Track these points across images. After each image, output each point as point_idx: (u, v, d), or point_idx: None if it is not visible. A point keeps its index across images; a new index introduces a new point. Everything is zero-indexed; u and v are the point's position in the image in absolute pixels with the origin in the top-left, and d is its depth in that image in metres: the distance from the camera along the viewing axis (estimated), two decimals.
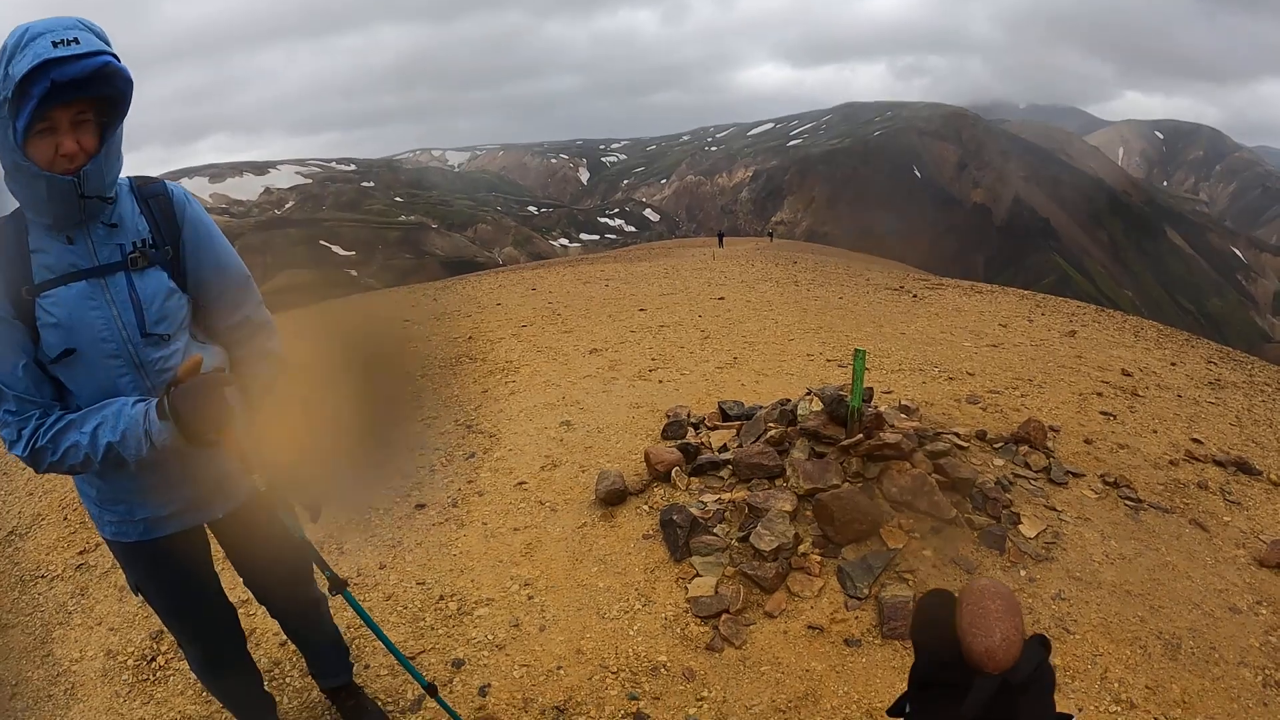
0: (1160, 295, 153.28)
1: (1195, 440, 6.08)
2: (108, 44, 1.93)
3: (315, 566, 2.63)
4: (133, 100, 2.08)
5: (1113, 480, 5.04)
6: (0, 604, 4.90)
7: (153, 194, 2.25)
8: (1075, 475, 4.99)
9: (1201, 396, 7.46)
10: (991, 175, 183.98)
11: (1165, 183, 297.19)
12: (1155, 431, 6.19)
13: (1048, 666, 1.13)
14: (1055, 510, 4.57)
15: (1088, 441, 5.56)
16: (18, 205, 2.06)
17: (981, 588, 1.15)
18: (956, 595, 1.18)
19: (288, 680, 3.70)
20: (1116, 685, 3.43)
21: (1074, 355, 8.39)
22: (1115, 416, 6.28)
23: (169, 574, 2.53)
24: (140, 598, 2.62)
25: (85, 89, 1.91)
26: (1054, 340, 9.35)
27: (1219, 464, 5.64)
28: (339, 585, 2.58)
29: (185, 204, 2.30)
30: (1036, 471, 4.92)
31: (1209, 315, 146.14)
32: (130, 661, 4.01)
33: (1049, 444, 5.28)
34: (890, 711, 1.40)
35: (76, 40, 1.84)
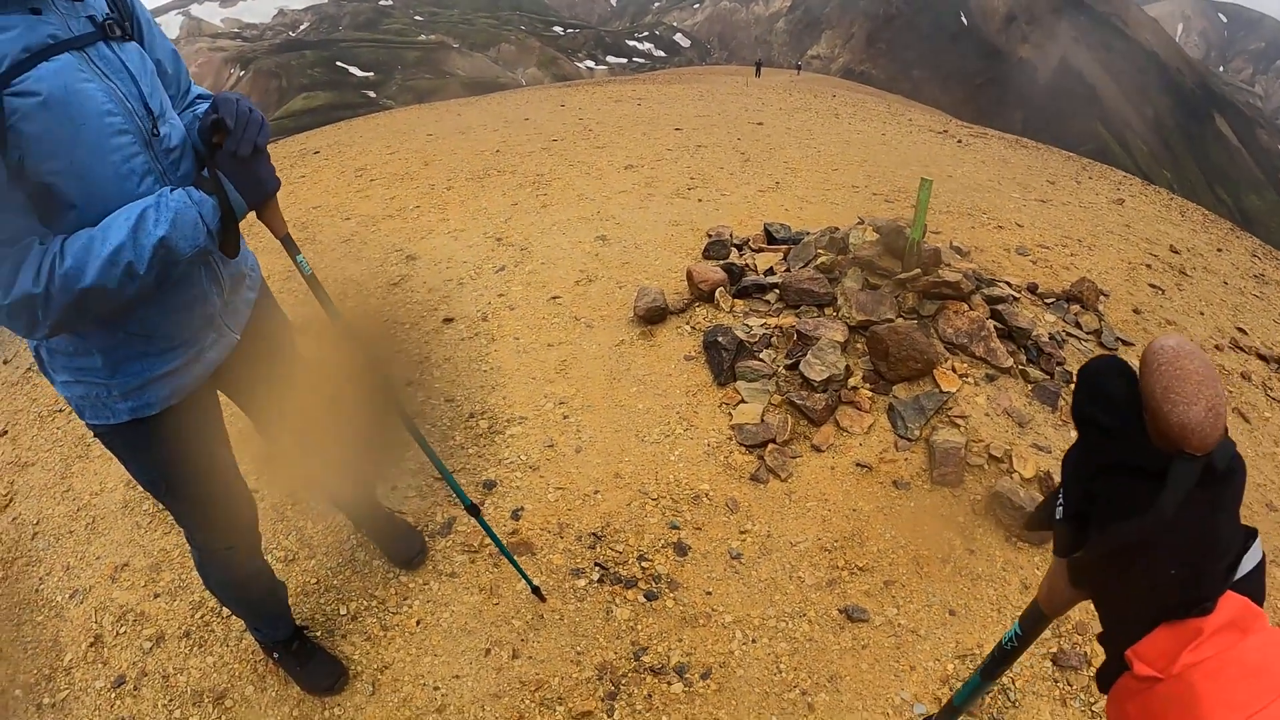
0: (1198, 182, 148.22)
1: (1240, 330, 5.80)
2: None
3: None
4: None
5: None
6: (20, 442, 4.81)
7: None
8: (1124, 343, 4.72)
9: (1247, 288, 7.10)
10: (1040, 32, 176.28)
11: (1221, 68, 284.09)
12: (1202, 314, 5.90)
13: (1240, 459, 0.80)
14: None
15: (1136, 311, 5.29)
16: None
17: (1175, 345, 0.83)
18: (1140, 358, 0.82)
19: (311, 504, 3.57)
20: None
21: (1122, 223, 7.95)
22: (1163, 291, 5.95)
23: (199, 445, 2.20)
24: (160, 494, 2.25)
25: None
26: (1102, 205, 8.90)
27: (1262, 358, 5.39)
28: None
29: None
30: (1088, 333, 4.65)
31: (1244, 211, 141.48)
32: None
33: (1100, 307, 4.97)
34: (1029, 523, 1.09)
35: None
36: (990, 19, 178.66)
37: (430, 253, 6.15)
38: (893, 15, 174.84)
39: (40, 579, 3.65)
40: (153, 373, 1.97)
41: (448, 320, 4.94)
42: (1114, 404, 0.90)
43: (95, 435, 2.07)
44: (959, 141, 12.97)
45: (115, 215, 1.69)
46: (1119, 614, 0.94)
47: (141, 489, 3.79)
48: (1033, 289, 4.93)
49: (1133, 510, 0.87)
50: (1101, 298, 5.13)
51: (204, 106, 2.08)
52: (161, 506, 3.64)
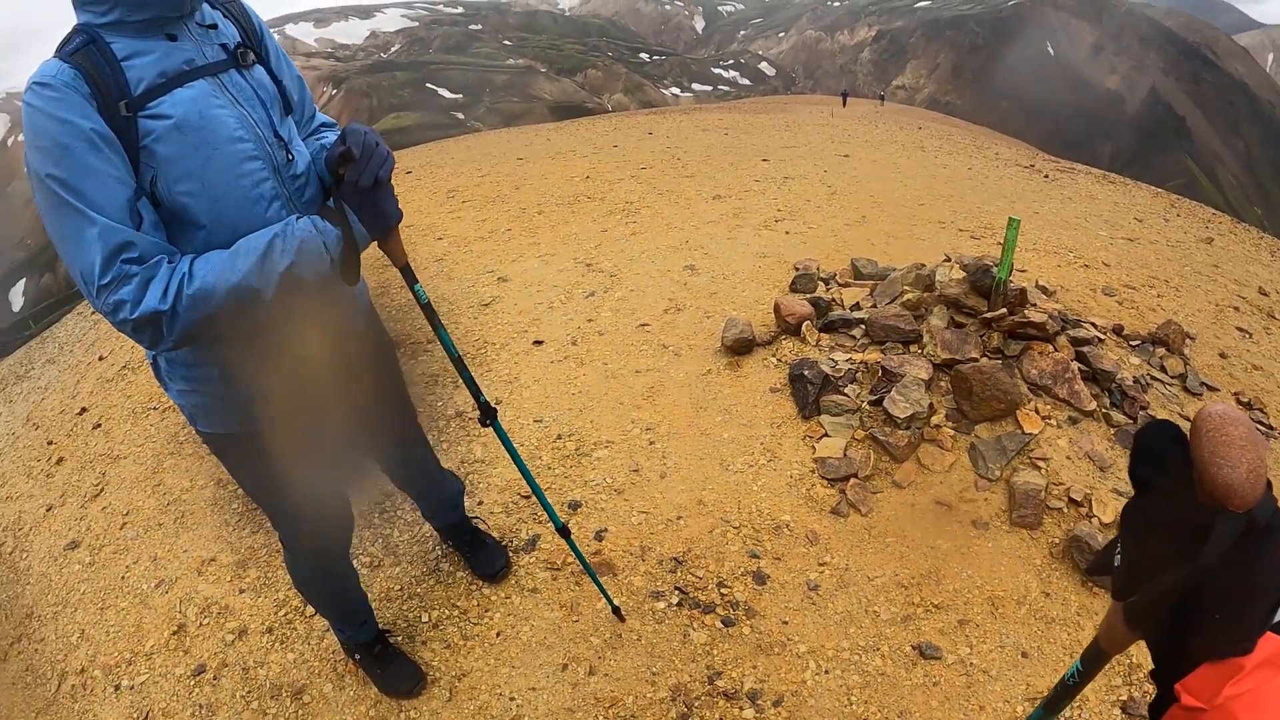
0: None
1: None
2: None
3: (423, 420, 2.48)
4: None
5: (1246, 401, 4.66)
6: (113, 435, 5.02)
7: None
8: (1210, 388, 4.61)
9: None
10: (1128, 63, 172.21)
11: None
12: None
13: None
14: (1189, 421, 4.20)
15: (1222, 355, 5.16)
16: (82, 21, 1.72)
17: (1222, 413, 0.92)
18: (1190, 423, 0.93)
19: (399, 514, 3.70)
20: None
21: (1210, 263, 7.77)
22: (1251, 335, 5.79)
23: (304, 455, 2.25)
24: (262, 496, 2.36)
25: None
26: (1190, 244, 8.70)
27: None
28: (490, 414, 2.43)
29: (254, 12, 2.09)
30: (1172, 377, 4.56)
31: None
32: (242, 491, 4.04)
33: (1185, 350, 4.88)
34: (1090, 568, 1.19)
35: None
36: (1077, 49, 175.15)
37: (521, 275, 6.30)
38: (978, 45, 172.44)
39: (127, 567, 3.82)
40: (264, 388, 2.04)
41: (538, 343, 5.07)
42: (1166, 466, 1.00)
43: (204, 441, 2.17)
44: (1046, 176, 12.80)
45: (245, 241, 1.76)
46: (1169, 652, 1.03)
47: (233, 488, 3.97)
48: (1118, 330, 4.87)
49: (1181, 560, 0.96)
50: (1187, 341, 5.04)
51: (329, 135, 2.19)
52: (252, 505, 3.81)
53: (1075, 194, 11.10)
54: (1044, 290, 5.24)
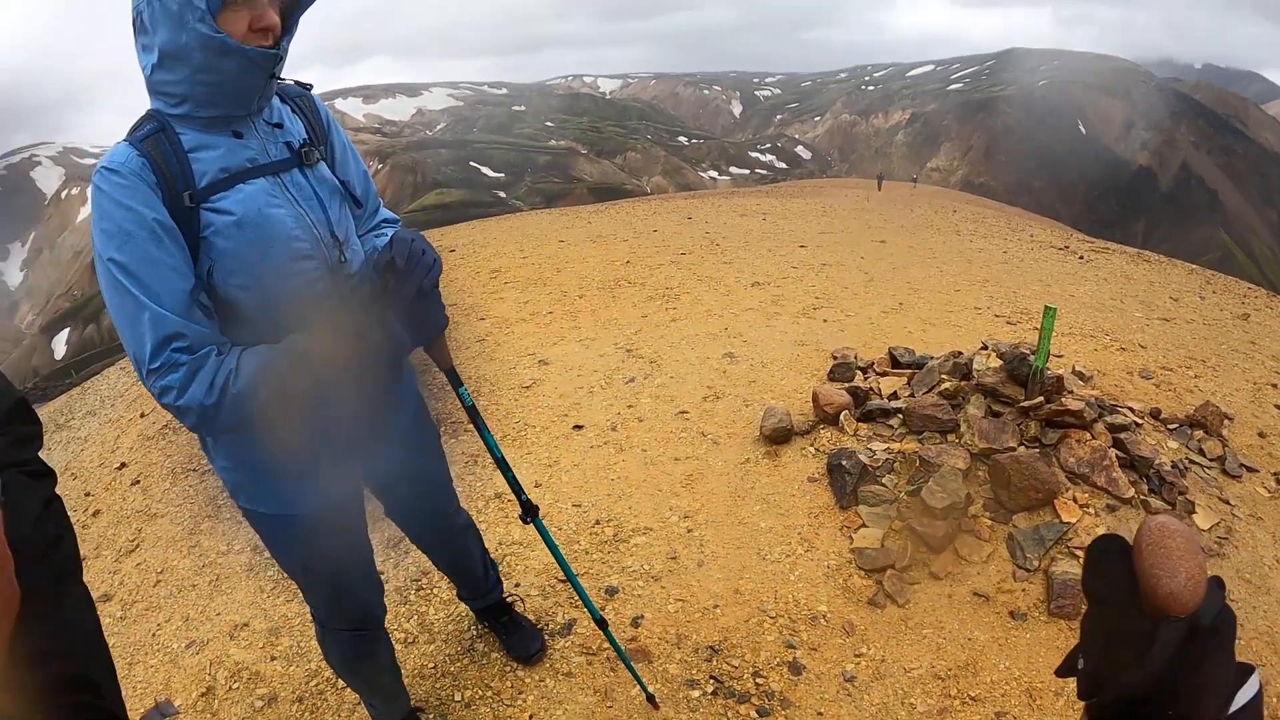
0: None
1: None
2: None
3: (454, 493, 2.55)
4: None
5: None
6: (151, 493, 5.10)
7: (296, 94, 2.05)
8: (1249, 469, 4.56)
9: None
10: (1159, 138, 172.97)
11: None
12: None
13: (1229, 610, 0.96)
14: (1228, 504, 4.18)
15: (1261, 435, 5.11)
16: (154, 107, 1.78)
17: (1159, 525, 1.00)
18: (1132, 536, 1.01)
19: (435, 591, 3.72)
20: (1275, 700, 3.11)
21: (1247, 340, 7.73)
22: None
23: (339, 540, 2.28)
24: (301, 578, 2.37)
25: None
26: (1226, 321, 8.66)
27: None
28: (531, 512, 2.45)
29: (324, 107, 2.14)
30: (1211, 460, 4.53)
31: None
32: None
33: (1223, 432, 4.85)
34: (1060, 671, 1.25)
35: None
36: (1109, 127, 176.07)
37: (562, 359, 6.40)
38: (1011, 126, 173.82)
39: (159, 625, 3.85)
40: (311, 473, 2.06)
41: (578, 427, 5.13)
42: (1112, 578, 1.08)
43: (244, 516, 2.20)
44: (1080, 257, 12.81)
45: (292, 340, 1.80)
46: None
47: (269, 556, 4.02)
48: (1155, 414, 4.86)
49: (1135, 665, 1.03)
50: (1225, 422, 5.01)
51: (388, 233, 2.21)
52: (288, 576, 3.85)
53: (1110, 274, 11.12)
54: (1080, 376, 5.25)
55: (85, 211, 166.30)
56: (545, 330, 7.27)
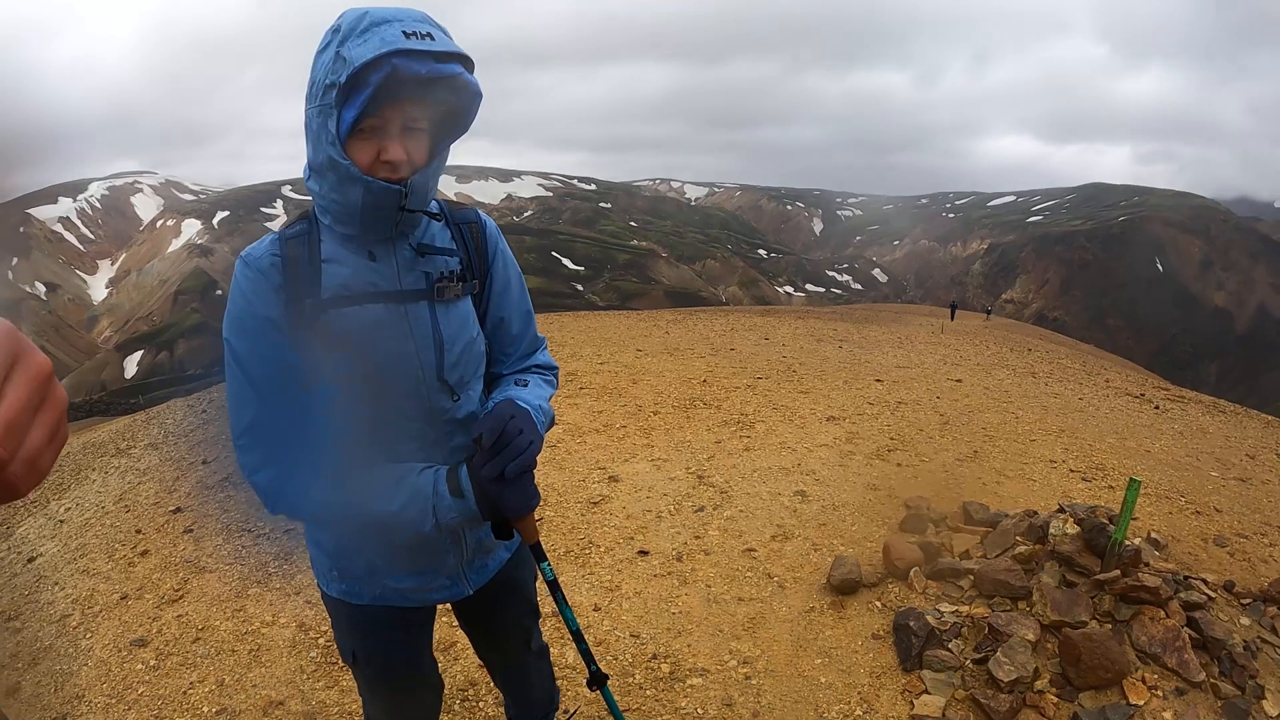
0: None
1: None
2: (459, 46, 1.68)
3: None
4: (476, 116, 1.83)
5: None
6: (203, 545, 5.15)
7: (465, 220, 2.01)
8: None
9: None
10: (1237, 278, 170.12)
11: None
12: None
13: None
14: None
15: None
16: (311, 204, 1.82)
17: None
18: None
19: (480, 704, 3.68)
20: None
21: None
22: None
23: (398, 650, 2.24)
24: (351, 667, 2.30)
25: (427, 91, 1.66)
26: None
27: None
28: (599, 681, 2.38)
29: (498, 238, 2.08)
30: None
31: None
32: (322, 641, 4.10)
33: None
34: None
35: (430, 36, 1.60)
36: (1187, 265, 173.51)
37: (632, 478, 6.42)
38: (1088, 261, 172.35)
39: (191, 684, 3.84)
40: (370, 575, 2.03)
41: (643, 553, 5.10)
42: None
43: (322, 597, 2.19)
44: (1156, 407, 12.56)
45: (363, 474, 1.80)
46: None
47: (314, 635, 3.99)
48: (1229, 588, 4.69)
49: None
50: None
51: (528, 381, 2.09)
52: (331, 658, 3.80)
53: (1186, 427, 10.90)
54: (1155, 544, 5.11)
55: (177, 243, 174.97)
56: (618, 444, 7.32)
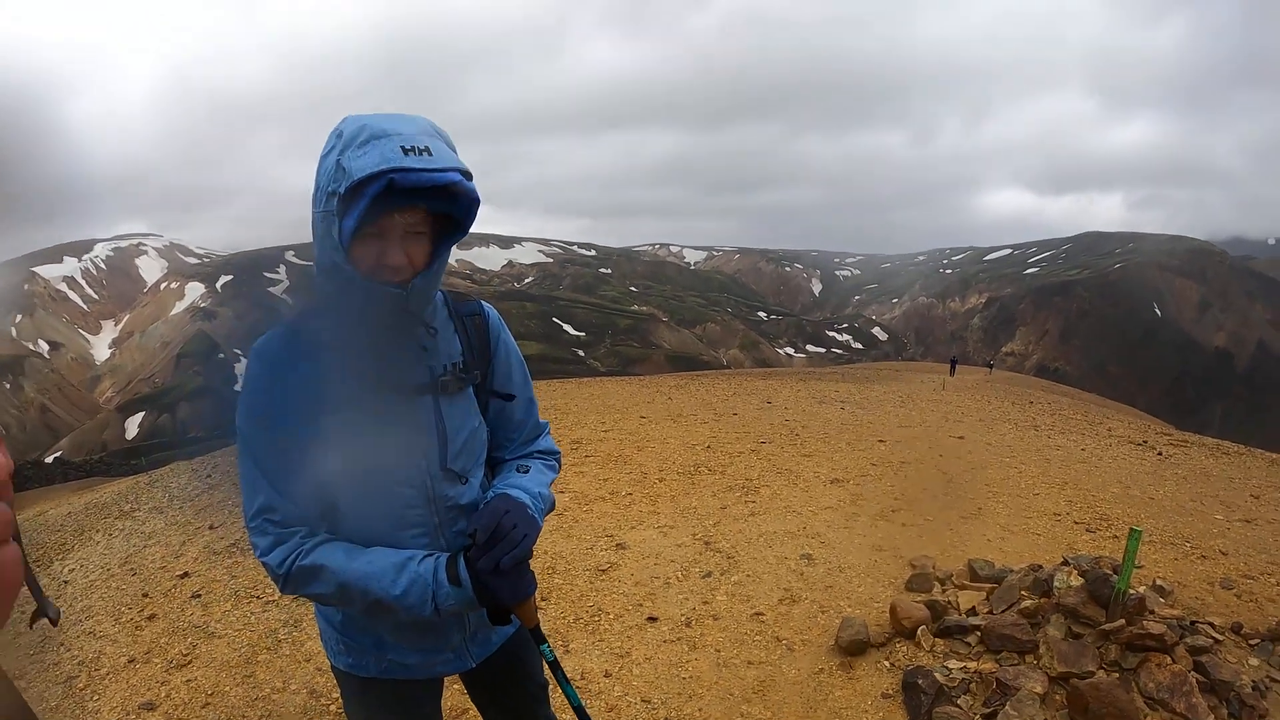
0: None
1: None
2: (458, 157, 1.71)
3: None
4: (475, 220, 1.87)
5: None
6: (211, 611, 5.17)
7: (469, 313, 2.07)
8: None
9: None
10: (1235, 318, 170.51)
11: None
12: None
13: None
14: None
15: None
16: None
17: None
18: None
19: None
20: None
21: None
22: None
23: (404, 716, 2.23)
24: None
25: (426, 200, 1.71)
26: None
27: None
28: None
29: (500, 328, 2.13)
30: None
31: None
32: (334, 708, 4.13)
33: None
34: None
35: (429, 150, 1.62)
36: (1185, 308, 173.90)
37: (640, 544, 6.47)
38: (1086, 311, 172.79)
39: None
40: (377, 649, 2.06)
41: (652, 619, 5.14)
42: None
43: (332, 669, 2.23)
44: (1159, 454, 12.61)
45: (366, 556, 1.83)
46: None
47: (325, 701, 4.01)
48: (1236, 629, 4.71)
49: None
50: None
51: (531, 466, 2.14)
52: None
53: (1189, 472, 10.95)
54: (1161, 591, 5.15)
55: (180, 306, 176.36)
56: (624, 512, 7.38)
